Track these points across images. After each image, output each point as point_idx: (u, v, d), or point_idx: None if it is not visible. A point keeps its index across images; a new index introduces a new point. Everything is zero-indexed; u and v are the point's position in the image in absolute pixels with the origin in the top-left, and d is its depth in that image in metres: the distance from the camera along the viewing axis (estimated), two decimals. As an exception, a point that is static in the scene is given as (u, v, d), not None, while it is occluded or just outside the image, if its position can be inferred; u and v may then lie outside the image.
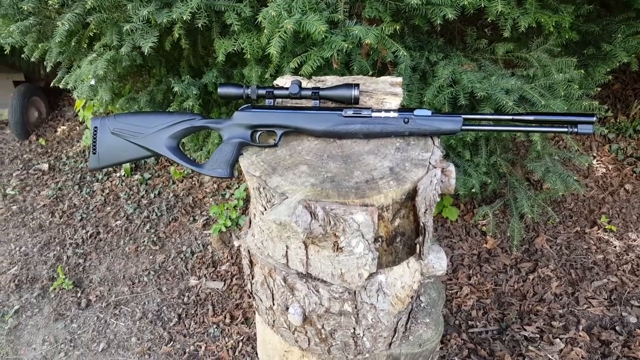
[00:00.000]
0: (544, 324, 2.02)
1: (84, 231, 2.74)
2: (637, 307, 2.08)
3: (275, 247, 1.24)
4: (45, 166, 3.35)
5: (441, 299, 1.54)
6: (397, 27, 1.40)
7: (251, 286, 1.44)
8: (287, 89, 1.26)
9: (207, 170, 1.29)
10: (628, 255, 2.30)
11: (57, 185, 3.14)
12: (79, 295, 2.36)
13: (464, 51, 1.84)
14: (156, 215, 2.80)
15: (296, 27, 1.19)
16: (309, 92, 1.25)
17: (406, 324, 1.40)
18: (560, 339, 1.94)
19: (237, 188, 2.75)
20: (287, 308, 1.29)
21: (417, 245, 1.21)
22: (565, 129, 1.17)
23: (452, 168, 1.16)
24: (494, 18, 1.58)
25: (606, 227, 2.43)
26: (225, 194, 2.84)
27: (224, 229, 2.50)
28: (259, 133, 1.28)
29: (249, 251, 1.35)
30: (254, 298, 1.46)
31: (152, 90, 2.10)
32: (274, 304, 1.34)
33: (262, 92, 1.27)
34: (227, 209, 2.57)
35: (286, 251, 1.23)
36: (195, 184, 2.99)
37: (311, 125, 1.23)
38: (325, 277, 1.20)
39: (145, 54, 1.45)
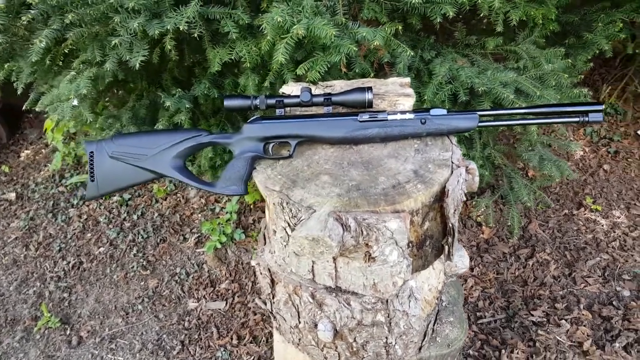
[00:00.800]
0: (548, 307, 2.06)
1: (64, 262, 2.58)
2: (629, 281, 2.16)
3: (299, 262, 1.19)
4: (12, 195, 3.13)
5: (461, 295, 1.54)
6: (399, 27, 1.38)
7: (271, 305, 1.38)
8: (297, 97, 1.21)
9: (220, 189, 1.22)
10: (615, 232, 2.38)
11: (28, 215, 2.94)
12: (68, 332, 2.21)
13: (454, 47, 1.85)
14: (142, 237, 2.67)
15: (305, 32, 1.14)
16: (321, 99, 1.21)
17: (433, 325, 1.38)
18: (566, 320, 1.98)
19: (227, 201, 2.67)
20: (316, 325, 1.24)
21: (446, 247, 1.19)
22: (577, 119, 1.18)
23: (474, 166, 1.15)
24: (487, 13, 1.59)
25: (592, 207, 2.51)
26: (215, 209, 2.74)
27: (219, 246, 2.41)
28: (271, 145, 1.22)
29: (269, 270, 1.29)
30: (274, 318, 1.40)
31: (133, 106, 2.00)
32: (299, 322, 1.29)
33: (271, 101, 1.22)
34: (219, 224, 2.49)
35: (312, 266, 1.18)
36: (180, 200, 2.88)
37: (327, 133, 1.19)
38: (357, 289, 1.16)
39: (136, 68, 1.36)
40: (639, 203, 2.53)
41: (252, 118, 1.23)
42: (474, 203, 2.42)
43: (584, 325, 1.95)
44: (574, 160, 2.80)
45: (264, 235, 1.37)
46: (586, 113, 1.17)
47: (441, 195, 1.12)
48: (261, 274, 1.32)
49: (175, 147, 1.22)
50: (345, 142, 1.22)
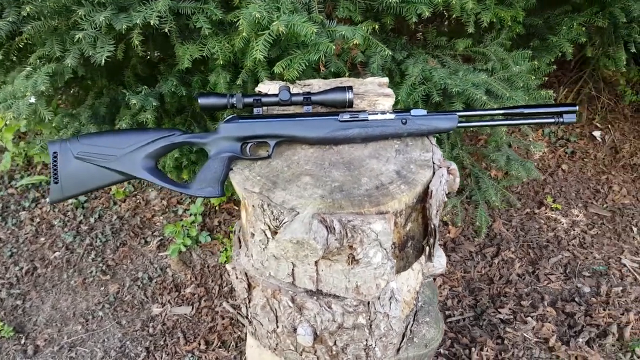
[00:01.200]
0: (514, 305, 2.12)
1: (17, 268, 2.40)
2: (588, 278, 2.26)
3: (279, 266, 1.16)
4: (-45, 198, 2.89)
5: (435, 295, 1.55)
6: (376, 27, 1.37)
7: (247, 310, 1.33)
8: (275, 95, 1.17)
9: (195, 191, 1.17)
10: (574, 230, 2.49)
11: (-27, 219, 2.73)
12: (22, 342, 2.06)
13: (425, 48, 1.86)
14: (100, 241, 2.54)
15: (285, 30, 1.11)
16: (300, 98, 1.18)
17: (411, 326, 1.39)
18: (532, 317, 2.05)
19: (191, 203, 2.58)
20: (295, 329, 1.22)
21: (427, 248, 1.19)
22: (553, 120, 1.21)
23: (455, 166, 1.16)
24: (459, 14, 1.61)
25: (552, 206, 2.62)
26: (178, 210, 2.64)
27: (183, 249, 2.33)
28: (249, 145, 1.18)
29: (246, 274, 1.25)
30: (249, 323, 1.36)
31: (93, 104, 1.88)
32: (277, 327, 1.25)
33: (248, 100, 1.17)
34: (184, 226, 2.40)
35: (292, 269, 1.15)
36: (140, 202, 2.75)
37: (307, 132, 1.16)
38: (338, 292, 1.14)
39: (102, 64, 1.28)
40: (595, 202, 2.65)
41: (228, 117, 1.18)
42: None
43: (549, 322, 2.02)
44: (534, 160, 2.90)
45: (239, 238, 1.33)
46: (560, 114, 1.21)
47: (424, 196, 1.12)
48: (237, 278, 1.27)
49: (147, 147, 1.16)
50: (326, 143, 1.19)
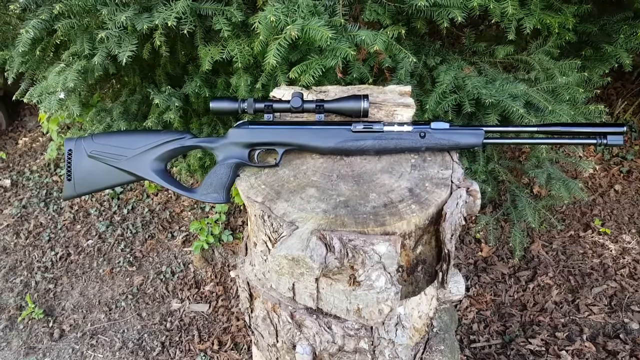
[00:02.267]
0: (548, 336, 1.96)
1: (52, 253, 2.52)
2: (638, 313, 2.05)
3: (280, 279, 1.11)
4: (8, 182, 3.08)
5: (454, 322, 1.44)
6: (402, 31, 1.29)
7: (250, 320, 1.30)
8: (287, 101, 1.13)
9: (200, 196, 1.14)
10: (624, 258, 2.28)
11: (21, 203, 2.88)
12: (50, 325, 2.15)
13: (461, 54, 1.75)
14: (131, 232, 2.61)
15: (299, 34, 1.06)
16: (312, 105, 1.12)
17: (422, 354, 1.30)
18: (567, 351, 1.88)
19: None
20: (294, 346, 1.16)
21: (440, 274, 1.10)
22: (594, 141, 1.08)
23: (476, 187, 1.06)
24: (498, 19, 1.49)
25: (600, 230, 2.41)
26: (205, 207, 2.67)
27: (206, 246, 2.34)
28: (257, 152, 1.14)
29: (248, 283, 1.21)
30: (252, 333, 1.32)
31: (125, 101, 1.92)
32: (277, 341, 1.21)
33: (260, 105, 1.13)
34: (208, 224, 2.41)
35: (293, 284, 1.09)
36: (171, 197, 2.81)
37: (317, 142, 1.11)
38: (339, 312, 1.07)
39: (123, 63, 1.29)
40: (650, 228, 2.42)
41: (238, 122, 1.15)
42: (474, 219, 2.33)
43: (587, 359, 1.85)
44: (583, 179, 2.68)
45: (246, 245, 1.29)
46: (604, 135, 1.08)
47: (437, 217, 1.03)
48: (240, 286, 1.24)
49: (157, 149, 1.14)
50: (337, 153, 1.13)
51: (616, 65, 1.81)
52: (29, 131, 3.59)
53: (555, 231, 2.41)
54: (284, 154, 1.13)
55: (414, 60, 1.31)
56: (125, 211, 2.75)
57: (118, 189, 2.85)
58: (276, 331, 1.19)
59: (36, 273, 2.41)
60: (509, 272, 2.22)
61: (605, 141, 1.07)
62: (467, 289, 2.16)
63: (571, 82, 1.62)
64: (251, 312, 1.27)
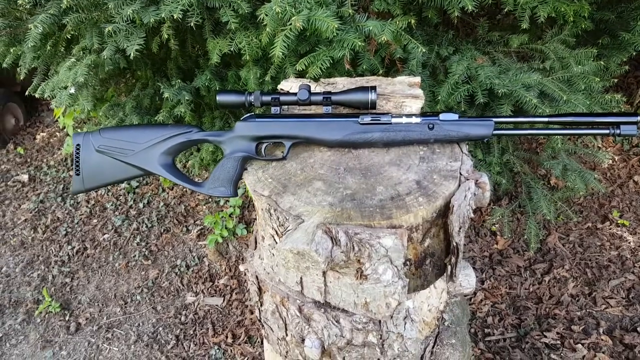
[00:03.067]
0: (563, 329, 1.93)
1: (69, 247, 2.57)
2: (656, 306, 2.00)
3: (288, 273, 1.11)
4: (25, 177, 3.15)
5: (465, 315, 1.43)
6: (412, 21, 1.26)
7: (260, 313, 1.30)
8: (294, 94, 1.12)
9: (208, 190, 1.14)
10: (643, 251, 2.22)
11: (38, 198, 2.95)
12: (67, 318, 2.20)
13: (475, 44, 1.71)
14: (146, 226, 2.64)
15: (305, 25, 1.05)
16: (319, 98, 1.11)
17: (432, 348, 1.28)
18: (582, 345, 1.85)
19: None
20: (303, 340, 1.16)
21: (449, 267, 1.08)
22: (607, 131, 1.05)
23: (486, 179, 1.04)
24: (511, 8, 1.46)
25: (618, 222, 2.35)
26: (220, 201, 2.69)
27: (220, 240, 2.35)
28: (264, 145, 1.14)
29: (257, 277, 1.21)
30: (262, 326, 1.33)
31: (137, 95, 1.94)
32: (287, 335, 1.21)
33: (266, 98, 1.13)
34: (222, 217, 2.43)
35: (301, 278, 1.09)
36: (186, 191, 2.83)
37: (324, 134, 1.10)
38: (347, 306, 1.07)
39: (131, 57, 1.29)
40: (671, 220, 2.35)
41: (245, 116, 1.14)
42: (489, 211, 2.29)
43: (603, 352, 1.81)
44: (601, 170, 2.62)
45: (255, 238, 1.29)
46: (617, 125, 1.05)
47: (445, 210, 1.01)
48: (249, 280, 1.24)
49: (164, 143, 1.15)
50: (344, 146, 1.12)
51: (634, 54, 1.75)
52: (47, 126, 3.66)
53: (572, 223, 2.36)
54: (291, 147, 1.12)
55: (424, 50, 1.29)
56: (141, 205, 2.79)
57: (134, 183, 2.89)
58: (285, 325, 1.19)
59: (53, 267, 2.47)
60: (524, 265, 2.18)
61: (618, 131, 1.03)
62: (482, 282, 2.14)
63: (587, 71, 1.58)
64: (261, 305, 1.27)
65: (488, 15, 1.92)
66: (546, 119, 1.09)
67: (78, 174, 1.17)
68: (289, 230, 0.98)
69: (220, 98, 1.15)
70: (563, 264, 2.17)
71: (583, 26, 1.65)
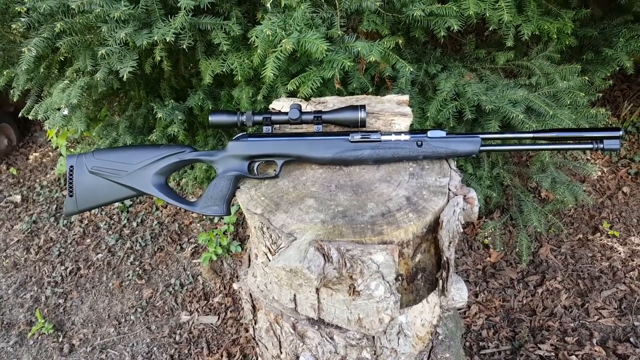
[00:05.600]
0: (557, 341, 1.93)
1: (62, 267, 2.55)
2: (648, 316, 2.02)
3: (281, 290, 1.12)
4: (18, 198, 3.13)
5: (459, 329, 1.44)
6: (400, 41, 1.30)
7: (254, 332, 1.30)
8: (285, 113, 1.14)
9: (201, 209, 1.16)
10: (634, 261, 2.24)
11: (31, 218, 2.93)
12: (60, 340, 2.17)
13: (462, 61, 1.76)
14: (140, 245, 2.63)
15: (295, 47, 1.07)
16: (310, 117, 1.13)
17: (427, 362, 1.29)
18: (576, 356, 1.85)
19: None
20: (297, 357, 1.17)
21: (440, 281, 1.09)
22: (591, 145, 1.08)
23: (474, 195, 1.06)
24: (496, 27, 1.50)
25: (609, 232, 2.38)
26: (214, 219, 2.69)
27: (214, 258, 2.35)
28: (257, 164, 1.15)
29: (250, 295, 1.22)
30: (257, 345, 1.33)
31: (131, 115, 1.95)
32: (281, 352, 1.21)
33: (258, 118, 1.15)
34: (216, 235, 2.43)
35: (294, 295, 1.10)
36: (180, 209, 2.83)
37: (316, 153, 1.12)
38: (340, 322, 1.08)
39: (124, 79, 1.31)
40: (660, 230, 2.38)
41: (237, 135, 1.16)
42: (481, 224, 2.31)
43: (596, 362, 1.82)
44: (591, 182, 2.66)
45: (249, 256, 1.30)
46: (600, 139, 1.08)
47: (435, 225, 1.03)
48: (243, 298, 1.25)
49: (157, 163, 1.16)
50: (335, 163, 1.14)
51: (617, 69, 1.81)
52: (40, 146, 3.66)
53: (564, 235, 2.38)
54: (283, 165, 1.14)
55: (411, 69, 1.32)
56: (134, 224, 2.78)
57: (127, 202, 2.89)
58: (279, 342, 1.19)
59: (46, 288, 2.45)
60: (517, 277, 2.20)
61: (601, 145, 1.06)
62: (476, 295, 2.14)
63: (572, 87, 1.62)
64: (255, 323, 1.27)
65: (476, 32, 1.97)
66: (531, 135, 1.12)
67: (71, 195, 1.18)
68: (281, 248, 0.99)
69: (213, 118, 1.17)
70: (555, 275, 2.19)
71: (567, 43, 1.70)
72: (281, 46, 1.07)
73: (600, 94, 1.86)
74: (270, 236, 1.02)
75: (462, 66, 1.69)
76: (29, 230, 2.85)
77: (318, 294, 1.06)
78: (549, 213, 1.98)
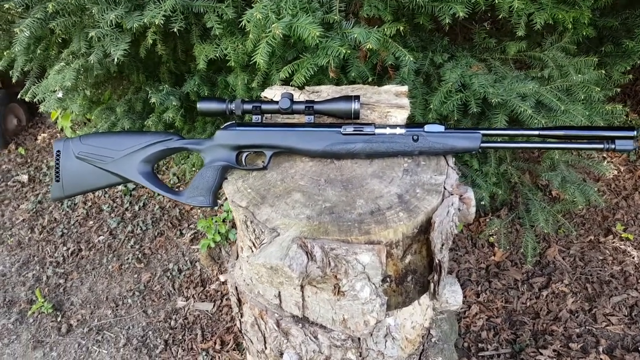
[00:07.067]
0: (561, 346, 1.87)
1: (64, 248, 2.56)
2: (659, 324, 1.93)
3: (265, 286, 1.08)
4: (25, 177, 3.15)
5: (454, 331, 1.39)
6: (401, 28, 1.23)
7: (240, 325, 1.27)
8: (276, 102, 1.09)
9: (186, 199, 1.12)
10: (647, 265, 2.15)
11: (37, 198, 2.95)
12: (59, 319, 2.18)
13: (471, 51, 1.67)
14: (141, 229, 2.63)
15: (286, 32, 1.02)
16: (301, 107, 1.08)
17: (417, 365, 1.24)
18: (580, 363, 1.79)
19: (226, 199, 2.57)
20: (282, 354, 1.13)
21: (432, 284, 1.04)
22: (601, 145, 1.01)
23: (471, 194, 1.00)
24: (506, 15, 1.41)
25: (622, 235, 2.28)
26: (216, 205, 2.66)
27: (212, 245, 2.33)
28: (245, 154, 1.11)
29: (236, 288, 1.18)
30: (243, 337, 1.30)
31: (130, 99, 1.92)
32: (266, 348, 1.18)
33: (248, 107, 1.10)
34: (215, 222, 2.40)
35: (279, 291, 1.06)
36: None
37: (306, 145, 1.06)
38: (325, 322, 1.03)
39: (115, 62, 1.27)
40: (676, 235, 2.28)
41: (226, 124, 1.11)
42: (487, 221, 2.24)
43: (601, 371, 1.75)
44: (606, 181, 2.55)
45: (237, 249, 1.26)
46: (612, 139, 1.00)
47: (427, 226, 0.98)
48: (229, 291, 1.21)
49: (143, 150, 1.12)
50: (326, 156, 1.09)
51: (639, 62, 1.70)
52: (48, 127, 3.67)
53: (573, 236, 2.30)
54: (272, 156, 1.09)
55: (411, 58, 1.25)
56: (137, 208, 2.78)
57: (130, 186, 2.88)
58: (264, 338, 1.16)
59: (48, 268, 2.46)
60: (522, 278, 2.13)
61: (613, 146, 0.99)
62: (477, 295, 2.08)
63: (587, 80, 1.53)
64: (241, 317, 1.24)
65: (490, 19, 1.88)
66: (537, 132, 1.05)
67: (58, 181, 1.15)
68: (263, 244, 0.94)
69: (201, 106, 1.12)
70: (562, 278, 2.11)
71: (584, 33, 1.60)
72: (270, 31, 1.02)
73: (619, 89, 1.76)
74: (254, 230, 0.98)
75: (470, 56, 1.61)
76: (34, 210, 2.87)
77: (303, 292, 1.02)
78: (558, 213, 1.90)
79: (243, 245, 1.09)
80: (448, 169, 1.05)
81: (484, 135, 1.04)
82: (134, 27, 1.22)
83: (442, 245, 0.97)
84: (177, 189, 1.17)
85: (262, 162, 1.11)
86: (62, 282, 2.38)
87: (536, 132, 1.05)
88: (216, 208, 2.62)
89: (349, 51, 1.14)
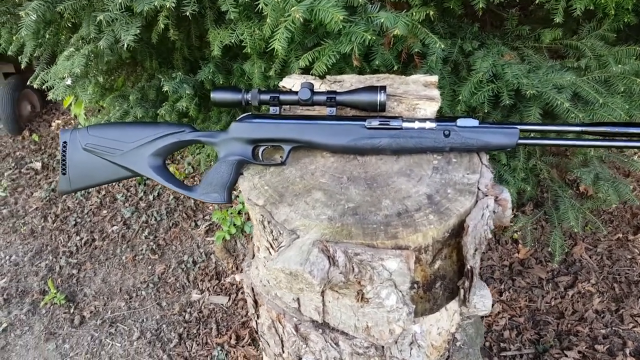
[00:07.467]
0: (586, 348, 1.79)
1: (78, 238, 2.54)
2: (691, 327, 1.84)
3: (284, 291, 1.01)
4: (39, 165, 3.14)
5: (480, 335, 1.31)
6: (431, 12, 1.14)
7: (257, 326, 1.22)
8: (295, 93, 1.01)
9: (200, 195, 1.06)
10: (679, 266, 2.05)
11: (50, 186, 2.93)
12: (72, 311, 2.17)
13: (502, 38, 1.57)
14: (155, 220, 2.59)
15: (306, 16, 0.94)
16: (323, 98, 1.00)
17: (441, 373, 1.18)
18: (607, 366, 1.71)
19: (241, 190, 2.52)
20: (300, 359, 1.07)
21: (462, 291, 0.97)
22: (649, 143, 0.92)
23: (507, 196, 0.92)
24: (543, 0, 1.31)
25: (653, 233, 2.17)
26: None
27: (228, 237, 2.28)
28: (262, 148, 1.04)
29: (252, 289, 1.12)
30: (259, 339, 1.24)
31: (143, 87, 1.86)
32: (283, 352, 1.12)
33: (265, 97, 1.03)
34: (231, 214, 2.35)
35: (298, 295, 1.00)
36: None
37: (327, 139, 0.99)
38: (347, 329, 0.97)
39: (126, 47, 1.21)
40: None
41: (241, 116, 1.04)
42: (512, 217, 2.14)
43: (629, 374, 1.67)
44: (637, 176, 2.43)
45: (253, 248, 1.20)
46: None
47: (459, 229, 0.90)
48: (245, 291, 1.16)
49: (154, 143, 1.06)
50: (349, 152, 1.02)
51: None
52: (62, 114, 3.64)
53: (601, 234, 2.19)
54: (290, 151, 1.02)
55: (442, 45, 1.16)
56: (151, 197, 2.74)
57: (143, 175, 2.84)
58: (282, 342, 1.11)
59: (61, 258, 2.44)
60: (546, 277, 2.04)
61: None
62: (500, 293, 2.00)
63: (628, 71, 1.42)
64: (257, 318, 1.19)
65: (520, 5, 1.76)
66: (579, 129, 0.96)
67: (64, 173, 1.10)
68: (282, 247, 0.88)
69: (215, 95, 1.05)
70: (589, 277, 2.02)
71: (626, 20, 1.48)
72: (290, 15, 0.94)
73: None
74: (271, 231, 0.92)
75: (502, 44, 1.51)
76: (47, 198, 2.85)
77: (323, 297, 0.95)
78: (587, 210, 1.80)
79: (259, 245, 1.03)
80: (482, 167, 0.97)
81: (521, 130, 0.96)
82: (145, 11, 1.15)
83: (475, 250, 0.89)
84: (191, 179, 1.11)
85: (280, 157, 1.04)
86: (75, 273, 2.36)
87: (578, 129, 0.96)
88: (232, 199, 2.57)
89: (374, 37, 1.06)
